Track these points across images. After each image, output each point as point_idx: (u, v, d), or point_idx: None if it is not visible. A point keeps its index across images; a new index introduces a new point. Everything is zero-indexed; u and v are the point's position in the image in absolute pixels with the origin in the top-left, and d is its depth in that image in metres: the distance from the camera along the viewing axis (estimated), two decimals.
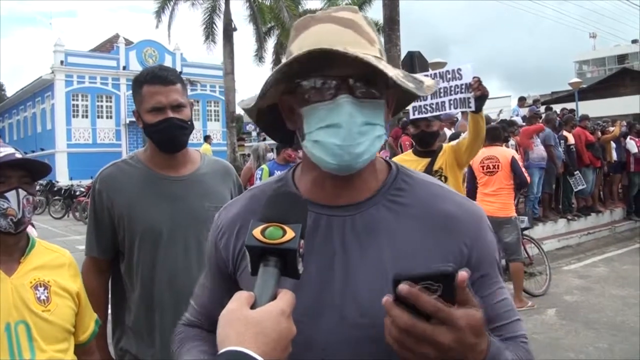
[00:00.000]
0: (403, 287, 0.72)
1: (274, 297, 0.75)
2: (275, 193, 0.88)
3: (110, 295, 2.09)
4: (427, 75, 2.80)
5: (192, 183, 2.01)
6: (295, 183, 1.06)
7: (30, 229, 2.84)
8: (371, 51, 0.91)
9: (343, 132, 0.88)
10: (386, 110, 0.97)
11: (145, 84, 1.91)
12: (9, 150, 1.62)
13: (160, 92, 1.89)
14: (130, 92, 2.08)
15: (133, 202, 1.95)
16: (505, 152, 6.12)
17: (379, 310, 0.78)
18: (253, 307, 0.73)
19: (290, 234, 0.78)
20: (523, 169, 6.12)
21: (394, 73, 0.88)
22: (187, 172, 2.02)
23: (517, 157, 6.17)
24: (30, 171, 1.66)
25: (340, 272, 0.93)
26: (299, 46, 0.91)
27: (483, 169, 6.06)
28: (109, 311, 2.10)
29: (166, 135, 1.92)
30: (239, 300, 0.73)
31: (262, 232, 0.79)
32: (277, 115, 1.02)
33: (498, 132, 6.23)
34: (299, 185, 1.05)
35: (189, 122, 1.97)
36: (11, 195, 1.59)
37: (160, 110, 1.89)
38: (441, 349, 0.73)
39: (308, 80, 0.90)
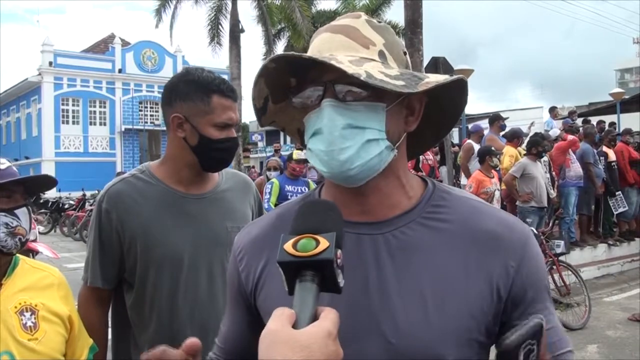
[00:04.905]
0: None
1: (314, 315, 0.74)
2: (305, 203, 0.90)
3: (111, 331, 2.01)
4: None
5: (213, 202, 1.97)
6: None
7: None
8: (363, 53, 0.94)
9: (325, 137, 0.91)
10: (400, 114, 0.98)
11: (216, 94, 1.87)
12: (2, 160, 1.57)
13: (232, 107, 1.91)
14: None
15: (150, 224, 1.88)
16: None
17: (418, 336, 0.84)
18: (294, 326, 0.73)
19: (324, 243, 0.77)
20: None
21: (359, 71, 0.87)
22: (208, 189, 1.99)
23: None
24: (27, 186, 1.61)
25: (376, 295, 0.93)
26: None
27: None
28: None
29: (226, 154, 1.93)
30: (281, 318, 0.73)
31: (294, 245, 0.79)
32: None
33: None
34: None
35: None
36: (22, 212, 1.55)
37: (227, 128, 1.91)
38: None
39: (302, 92, 0.96)
